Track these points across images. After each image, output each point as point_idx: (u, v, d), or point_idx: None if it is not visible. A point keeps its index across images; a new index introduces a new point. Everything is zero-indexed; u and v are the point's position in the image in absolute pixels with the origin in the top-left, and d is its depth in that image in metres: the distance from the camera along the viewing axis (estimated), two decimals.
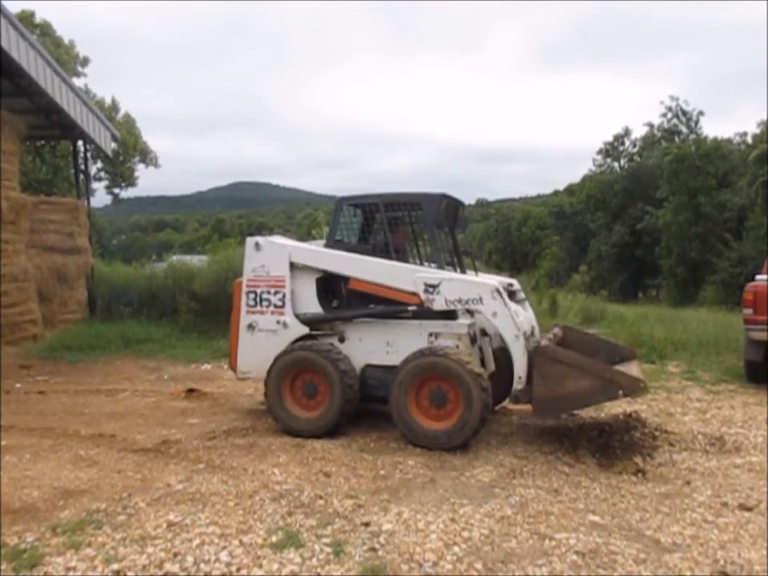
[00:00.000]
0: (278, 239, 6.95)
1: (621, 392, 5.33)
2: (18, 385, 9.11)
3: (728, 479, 5.03)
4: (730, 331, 11.26)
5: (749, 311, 8.64)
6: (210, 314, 13.24)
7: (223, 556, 3.64)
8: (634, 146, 49.22)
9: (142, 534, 3.95)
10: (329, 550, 3.73)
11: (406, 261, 6.46)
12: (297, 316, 6.44)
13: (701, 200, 33.59)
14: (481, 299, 5.80)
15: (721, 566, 3.57)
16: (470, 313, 6.15)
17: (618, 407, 7.03)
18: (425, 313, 6.06)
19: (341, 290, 6.59)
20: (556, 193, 66.95)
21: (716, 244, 31.14)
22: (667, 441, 6.01)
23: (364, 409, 6.43)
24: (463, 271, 6.92)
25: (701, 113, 45.24)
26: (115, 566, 3.53)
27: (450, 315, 6.16)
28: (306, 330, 6.41)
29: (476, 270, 7.13)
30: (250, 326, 6.57)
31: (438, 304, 5.92)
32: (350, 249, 6.60)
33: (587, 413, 6.83)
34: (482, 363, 6.29)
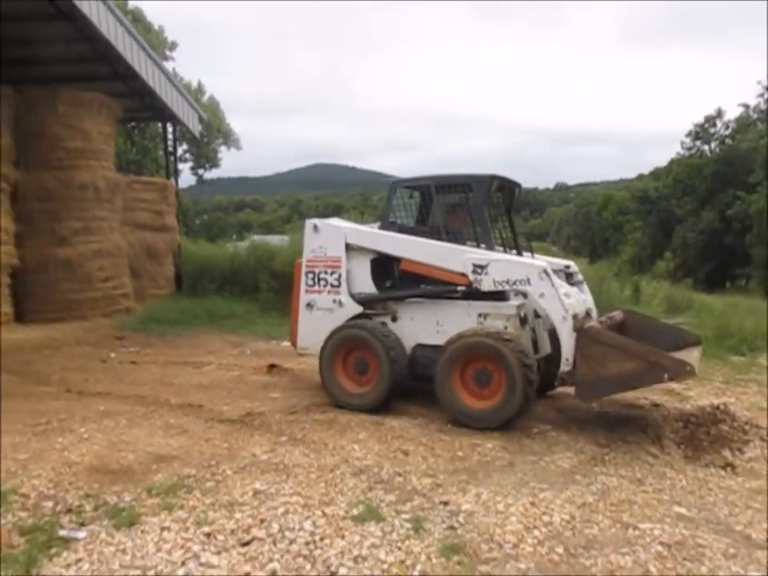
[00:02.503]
0: (335, 221, 7.17)
1: (666, 375, 5.27)
2: (112, 354, 9.66)
3: None
4: None
5: None
6: (289, 292, 13.48)
7: (307, 525, 3.77)
8: (727, 127, 46.60)
9: (230, 500, 4.14)
10: (408, 525, 3.80)
11: (459, 242, 6.46)
12: (352, 295, 6.65)
13: None
14: (528, 280, 5.82)
15: None
16: (524, 294, 6.10)
17: (705, 399, 6.78)
18: (474, 293, 6.12)
19: (394, 271, 6.75)
20: (640, 177, 64.45)
21: None
22: (758, 435, 5.73)
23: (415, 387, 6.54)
24: (519, 253, 6.90)
25: None
26: (206, 529, 3.71)
27: (500, 296, 6.18)
28: (360, 309, 6.61)
29: (532, 251, 7.08)
30: (309, 305, 6.83)
31: (486, 284, 5.99)
32: (403, 230, 6.72)
33: (672, 404, 6.63)
34: (535, 345, 6.30)
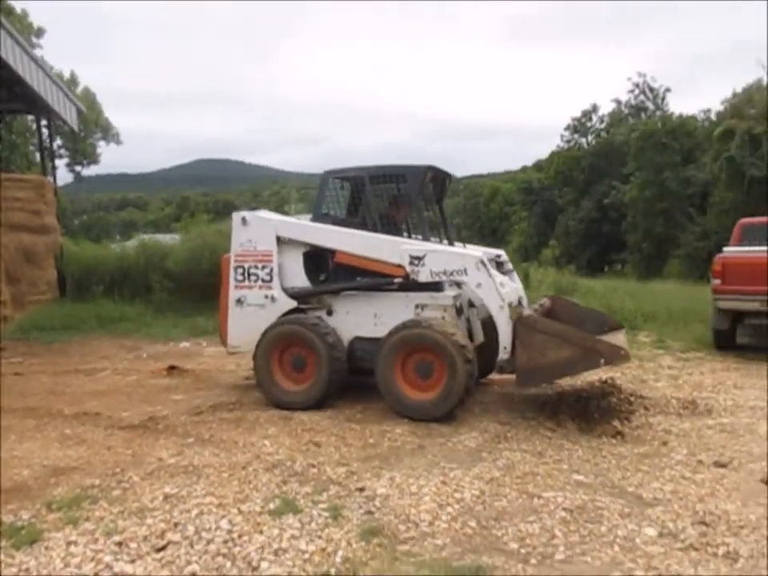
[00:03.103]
0: (265, 213, 6.94)
1: (602, 360, 5.41)
2: None
3: (702, 439, 5.26)
4: (697, 303, 11.60)
5: (717, 281, 8.94)
6: (184, 292, 13.19)
7: (223, 524, 3.71)
8: (602, 122, 49.67)
9: (140, 506, 4.00)
10: (326, 514, 3.83)
11: (394, 233, 6.47)
12: (285, 290, 6.49)
13: (666, 176, 34.18)
14: (465, 270, 5.85)
15: (700, 517, 3.76)
16: (458, 284, 6.21)
17: (594, 375, 7.24)
18: (411, 285, 6.11)
19: (328, 264, 6.62)
20: (524, 169, 67.34)
21: (681, 219, 31.85)
22: (642, 405, 6.24)
23: (351, 381, 6.51)
24: (451, 243, 6.96)
25: (667, 89, 45.77)
26: (117, 538, 3.57)
27: (436, 287, 6.19)
28: (293, 303, 6.47)
29: (463, 241, 7.18)
30: (239, 301, 6.62)
31: (424, 276, 5.97)
32: (336, 222, 6.63)
33: (565, 381, 7.04)
34: (470, 334, 6.38)
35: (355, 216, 6.91)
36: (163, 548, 3.46)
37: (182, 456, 4.93)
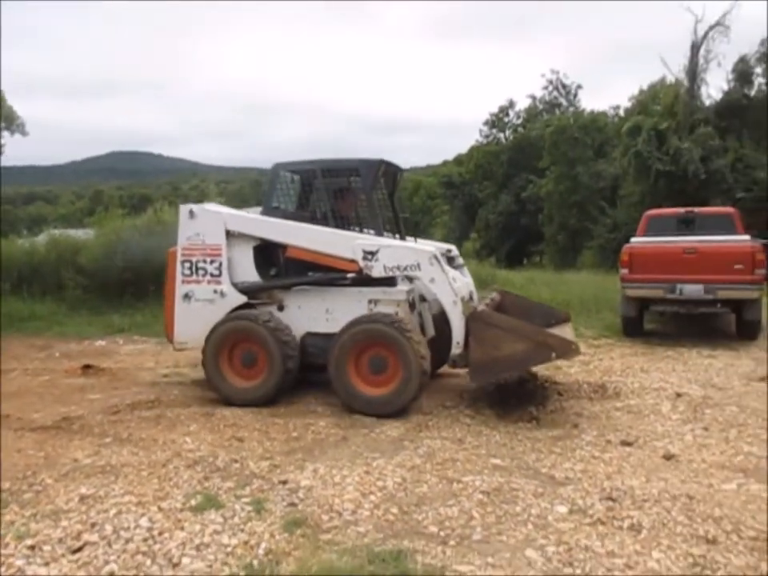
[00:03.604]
0: (213, 206, 6.77)
1: (554, 354, 5.47)
2: None
3: (610, 420, 5.57)
4: (608, 292, 12.17)
5: (625, 271, 9.43)
6: (99, 289, 12.71)
7: (143, 522, 3.65)
8: (518, 117, 51.03)
9: (54, 508, 3.87)
10: (249, 508, 3.83)
11: (346, 228, 6.38)
12: (234, 285, 6.35)
13: (579, 170, 35.48)
14: (419, 265, 5.81)
15: (607, 493, 3.99)
16: (410, 279, 6.18)
17: None
18: (364, 280, 6.04)
19: (279, 258, 6.51)
20: (445, 163, 68.42)
21: (593, 211, 33.11)
22: (556, 391, 6.53)
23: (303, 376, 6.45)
24: (403, 238, 6.95)
25: (579, 86, 47.53)
26: (29, 542, 3.44)
27: (389, 282, 6.15)
28: (243, 299, 6.33)
29: (415, 236, 7.13)
30: (186, 296, 6.43)
31: (377, 271, 5.91)
32: (287, 216, 6.51)
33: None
34: (422, 329, 6.39)
35: (307, 210, 6.79)
36: (79, 549, 3.37)
37: (98, 456, 4.80)
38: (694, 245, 9.08)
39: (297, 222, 6.36)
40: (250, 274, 6.40)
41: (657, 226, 10.29)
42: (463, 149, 54.03)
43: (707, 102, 29.53)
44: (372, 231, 6.37)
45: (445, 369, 6.67)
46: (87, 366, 7.98)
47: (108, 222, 14.97)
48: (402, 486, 4.15)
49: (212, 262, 6.35)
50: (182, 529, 3.58)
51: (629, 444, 4.93)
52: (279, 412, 5.90)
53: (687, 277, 8.88)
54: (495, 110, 51.22)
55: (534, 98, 48.82)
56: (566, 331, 6.44)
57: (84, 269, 12.96)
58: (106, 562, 3.23)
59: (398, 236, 6.93)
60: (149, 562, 3.24)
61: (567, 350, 5.50)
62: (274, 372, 6.01)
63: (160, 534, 3.52)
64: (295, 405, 6.11)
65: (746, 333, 9.28)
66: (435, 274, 5.79)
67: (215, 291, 6.34)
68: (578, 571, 3.14)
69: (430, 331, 6.55)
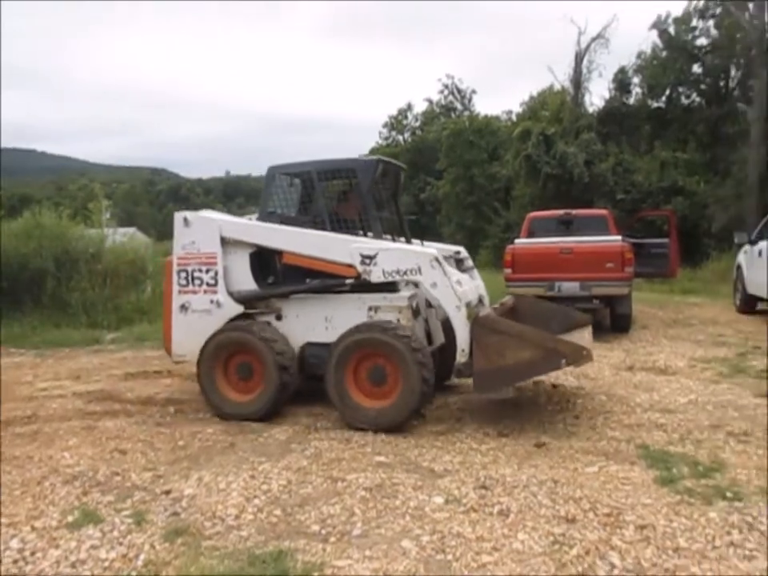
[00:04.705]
0: (208, 213, 6.51)
1: (563, 361, 5.15)
2: None
3: (490, 413, 5.87)
4: (498, 291, 12.68)
5: (508, 270, 9.94)
6: None
7: (14, 544, 3.52)
8: (417, 120, 52.07)
9: None
10: (130, 521, 3.78)
11: (345, 231, 6.08)
12: (230, 294, 6.04)
13: (474, 172, 36.70)
14: (419, 269, 5.53)
15: (482, 482, 4.24)
16: (414, 284, 5.90)
17: None
18: (364, 285, 5.78)
19: (276, 265, 6.25)
20: None
21: (488, 212, 34.34)
22: (442, 387, 6.78)
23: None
24: (408, 240, 6.71)
25: (473, 91, 49.13)
26: None
27: (390, 287, 5.87)
28: (240, 308, 6.02)
29: (421, 239, 6.91)
30: (183, 307, 6.12)
31: (376, 276, 5.64)
32: (284, 221, 6.28)
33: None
34: (429, 336, 6.19)
35: (304, 214, 6.53)
36: None
37: None
38: (570, 245, 9.70)
39: (293, 226, 6.13)
40: (246, 282, 6.11)
41: (538, 227, 10.91)
42: (364, 149, 54.46)
43: (590, 110, 31.40)
44: (371, 234, 6.17)
45: None
46: None
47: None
48: (287, 488, 4.22)
49: (208, 270, 6.06)
50: (57, 547, 3.49)
51: (505, 435, 5.23)
52: (166, 421, 5.81)
53: (565, 275, 9.49)
54: (394, 112, 52.05)
55: (431, 101, 49.99)
56: (583, 336, 6.18)
57: None
58: None
59: (402, 239, 6.66)
60: None
61: (578, 356, 5.18)
62: (271, 385, 5.72)
63: (32, 554, 3.42)
64: (182, 413, 6.04)
65: (618, 326, 10.04)
66: (437, 277, 5.50)
67: (212, 301, 6.04)
68: (449, 557, 3.33)
69: (439, 338, 6.27)
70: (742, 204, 22.64)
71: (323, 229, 6.07)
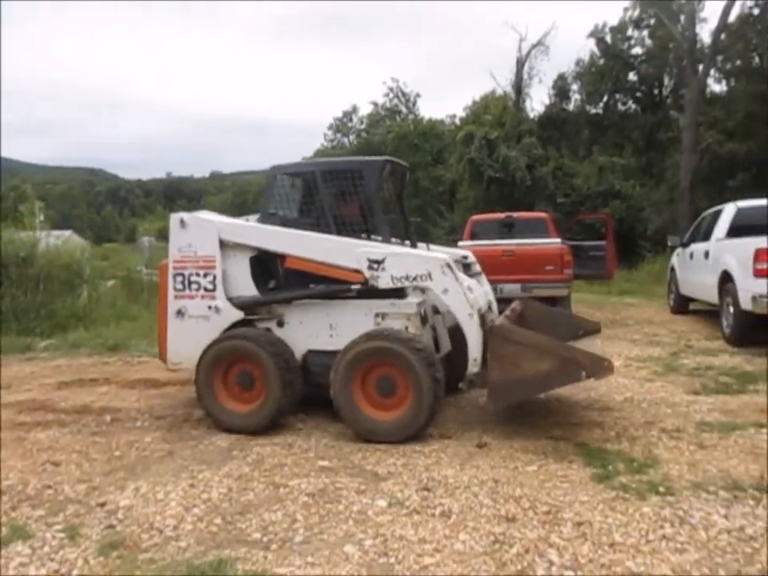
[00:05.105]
0: (206, 215, 6.23)
1: (584, 373, 4.93)
2: None
3: (435, 415, 5.89)
4: None
5: None
6: None
7: None
8: (362, 122, 52.22)
9: None
10: (62, 535, 3.64)
11: (350, 235, 5.85)
12: (230, 299, 5.76)
13: (419, 175, 37.01)
14: (430, 275, 5.33)
15: (424, 484, 4.26)
16: (422, 290, 5.71)
17: None
18: (370, 291, 5.54)
19: (277, 270, 6.00)
20: None
21: (432, 215, 34.72)
22: None
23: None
24: (414, 244, 6.50)
25: (418, 95, 49.63)
26: None
27: (398, 293, 5.64)
28: (240, 314, 5.74)
29: (427, 242, 6.67)
30: (179, 312, 5.81)
31: (384, 281, 5.42)
32: (286, 223, 6.03)
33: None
34: (436, 344, 5.98)
35: (307, 216, 6.25)
36: None
37: None
38: (512, 248, 9.90)
39: (296, 229, 5.87)
40: (246, 287, 5.84)
41: (481, 229, 11.08)
42: (309, 152, 54.22)
43: (531, 115, 32.20)
44: (378, 238, 5.96)
45: None
46: None
47: None
48: (228, 496, 4.14)
49: (205, 275, 5.77)
50: None
51: (448, 437, 5.28)
52: (102, 430, 5.63)
53: (506, 277, 9.65)
54: (339, 114, 52.04)
55: (376, 104, 50.22)
56: (595, 344, 6.02)
57: None
58: None
59: (408, 243, 6.44)
60: None
61: (599, 368, 4.95)
62: (273, 394, 5.44)
63: None
64: (119, 421, 5.87)
65: None
66: (448, 284, 5.31)
67: (210, 307, 5.76)
68: (392, 560, 3.33)
69: (446, 346, 6.08)
70: (675, 208, 23.56)
71: (327, 232, 5.85)
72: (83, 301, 12.73)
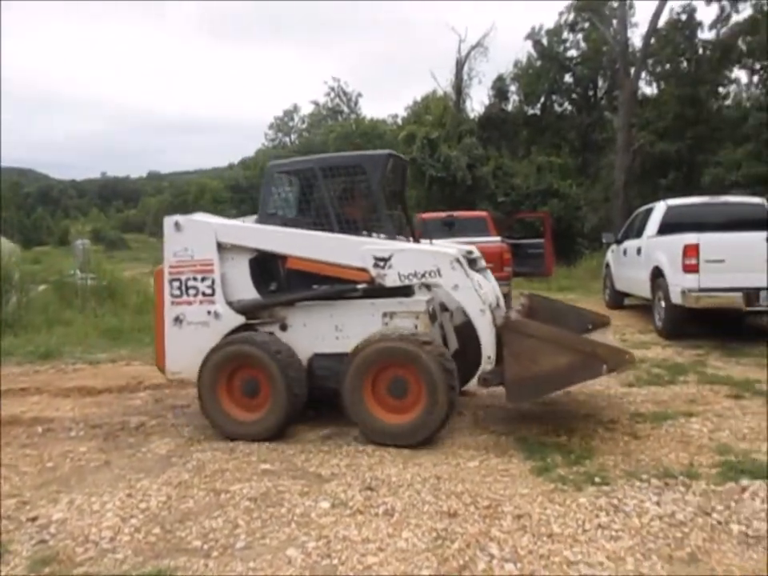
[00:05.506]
0: (202, 216, 5.95)
1: (605, 367, 4.80)
2: None
3: None
4: None
5: None
6: None
7: None
8: (303, 122, 51.98)
9: None
10: None
11: (353, 232, 5.63)
12: (230, 304, 5.50)
13: None
14: (439, 271, 5.17)
15: (368, 483, 4.26)
16: (428, 287, 5.57)
17: None
18: (377, 290, 5.37)
19: (279, 271, 5.74)
20: (231, 166, 67.36)
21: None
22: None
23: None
24: (417, 240, 6.30)
25: (359, 94, 49.78)
26: None
27: (405, 291, 5.51)
28: (241, 319, 5.49)
29: (430, 239, 6.39)
30: (177, 319, 5.53)
31: (391, 279, 5.26)
32: (286, 222, 5.80)
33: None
34: (444, 342, 5.79)
35: (308, 215, 5.98)
36: None
37: None
38: None
39: (297, 228, 5.67)
40: (247, 290, 5.60)
41: (425, 228, 11.13)
42: (249, 151, 53.59)
43: (471, 115, 32.65)
44: (383, 235, 5.77)
45: None
46: None
47: None
48: (167, 504, 4.05)
49: (203, 279, 5.51)
50: None
51: None
52: (33, 442, 5.41)
53: None
54: (280, 113, 51.62)
55: (317, 104, 50.11)
56: (607, 337, 5.88)
57: None
58: None
59: (410, 238, 6.25)
60: None
61: (621, 361, 4.86)
62: (279, 401, 5.25)
63: None
64: (52, 431, 5.65)
65: None
66: (459, 279, 5.16)
67: (209, 312, 5.50)
68: (335, 561, 3.32)
69: (453, 344, 5.94)
70: (610, 206, 24.34)
71: (329, 230, 5.66)
72: (12, 307, 12.20)
